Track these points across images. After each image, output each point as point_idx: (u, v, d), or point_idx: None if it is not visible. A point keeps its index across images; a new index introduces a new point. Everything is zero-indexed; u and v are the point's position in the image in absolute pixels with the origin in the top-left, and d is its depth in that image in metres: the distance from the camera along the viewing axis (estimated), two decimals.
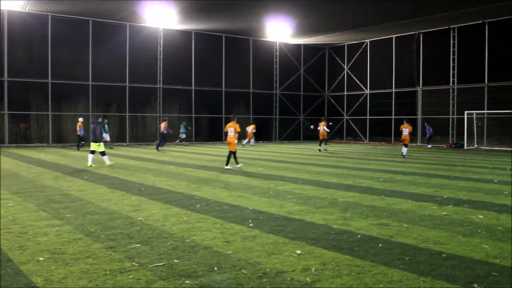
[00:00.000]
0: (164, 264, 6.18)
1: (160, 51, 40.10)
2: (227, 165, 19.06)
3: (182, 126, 38.52)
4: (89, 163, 19.49)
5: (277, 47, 46.67)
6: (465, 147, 35.32)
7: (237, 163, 19.24)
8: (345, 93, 48.07)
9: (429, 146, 36.46)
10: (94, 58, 37.15)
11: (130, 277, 5.69)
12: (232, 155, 19.21)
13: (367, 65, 45.56)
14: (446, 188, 13.54)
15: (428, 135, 37.00)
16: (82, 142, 31.42)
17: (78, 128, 31.48)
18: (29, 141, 34.84)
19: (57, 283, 5.47)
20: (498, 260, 6.46)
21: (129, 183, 14.34)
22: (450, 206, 10.60)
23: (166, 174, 17.04)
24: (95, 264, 6.16)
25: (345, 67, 47.74)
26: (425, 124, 37.82)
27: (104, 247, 7.01)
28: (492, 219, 9.20)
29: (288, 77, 47.49)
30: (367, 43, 45.30)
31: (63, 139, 36.43)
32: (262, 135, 44.06)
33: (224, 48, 43.22)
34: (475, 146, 35.40)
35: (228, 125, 19.52)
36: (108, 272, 5.84)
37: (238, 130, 19.29)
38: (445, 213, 9.76)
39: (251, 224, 8.57)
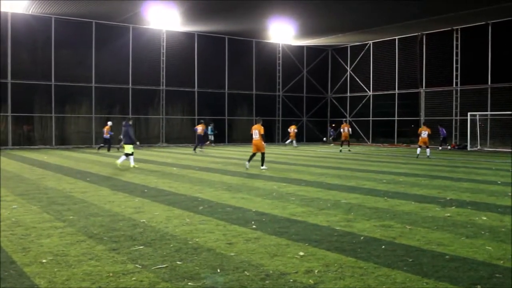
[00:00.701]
0: (167, 266, 6.18)
1: (163, 53, 40.16)
2: (262, 165, 19.73)
3: (209, 128, 39.35)
4: (132, 164, 20.16)
5: (280, 48, 46.68)
6: (468, 148, 35.25)
7: (262, 164, 19.85)
8: (348, 94, 48.03)
9: (440, 148, 35.94)
10: (97, 60, 37.22)
11: (133, 279, 5.69)
12: (253, 156, 20.00)
13: (370, 67, 45.53)
14: (449, 189, 13.52)
15: (442, 137, 36.66)
16: (105, 145, 31.91)
17: (105, 131, 31.73)
18: (32, 143, 34.91)
19: (60, 285, 5.48)
20: (501, 261, 6.45)
21: (131, 185, 14.36)
22: (453, 207, 10.58)
23: (169, 176, 17.06)
24: (98, 266, 6.17)
25: (348, 69, 47.71)
26: (438, 126, 37.54)
27: (107, 249, 7.02)
28: (496, 220, 9.18)
29: (291, 79, 47.48)
30: (370, 44, 45.27)
31: (66, 141, 36.49)
32: (264, 137, 44.01)
33: (227, 50, 43.24)
34: (478, 147, 35.32)
35: (253, 127, 20.14)
36: (111, 274, 5.84)
37: (262, 132, 19.82)
38: (448, 214, 9.74)
39: (254, 226, 8.57)
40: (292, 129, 39.78)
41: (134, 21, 36.81)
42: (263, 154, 19.84)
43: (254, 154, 19.96)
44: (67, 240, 7.52)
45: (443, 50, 39.24)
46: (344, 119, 38.50)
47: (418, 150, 27.71)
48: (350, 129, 34.35)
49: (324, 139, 36.50)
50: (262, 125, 20.08)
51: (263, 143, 19.75)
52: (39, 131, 35.56)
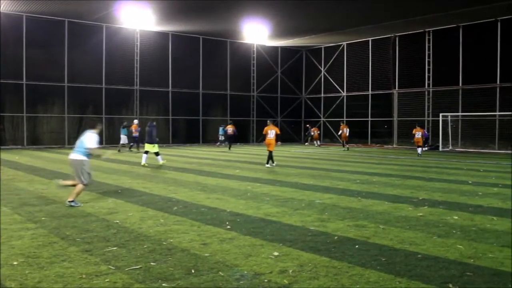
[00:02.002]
0: (141, 267, 6.14)
1: (137, 52, 39.85)
2: (267, 163, 21.13)
3: (221, 129, 40.24)
4: (143, 162, 21.13)
5: (255, 49, 46.71)
6: (440, 149, 35.73)
7: (272, 161, 21.31)
8: (322, 95, 48.29)
9: (426, 148, 36.23)
10: (70, 59, 36.73)
11: (107, 280, 5.64)
12: (270, 154, 21.28)
13: (344, 68, 45.85)
14: (421, 189, 13.69)
15: (424, 138, 36.88)
16: (134, 144, 33.34)
17: (133, 130, 33.04)
18: (3, 143, 34.28)
19: (31, 287, 5.40)
20: (472, 260, 6.56)
21: (105, 186, 14.23)
22: (425, 207, 10.72)
23: (143, 176, 16.95)
24: (70, 268, 6.10)
25: (322, 70, 47.98)
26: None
27: (80, 250, 6.95)
28: (467, 220, 9.33)
29: (265, 79, 47.54)
30: (344, 45, 45.59)
31: (38, 142, 35.94)
32: (239, 137, 44.08)
33: (202, 50, 43.10)
34: (450, 148, 35.84)
35: (267, 127, 21.59)
36: (84, 276, 5.78)
37: (278, 132, 21.60)
38: (420, 214, 9.87)
39: (228, 226, 8.57)
40: (315, 131, 42.56)
41: (108, 20, 36.45)
42: (271, 152, 21.20)
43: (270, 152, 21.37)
44: (39, 242, 7.41)
45: (415, 52, 39.71)
46: (343, 120, 40.34)
47: (419, 150, 29.57)
48: (348, 129, 37.15)
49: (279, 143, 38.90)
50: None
51: (274, 142, 21.34)
52: (10, 131, 34.95)
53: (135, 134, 33.10)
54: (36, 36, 34.96)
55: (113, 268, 6.11)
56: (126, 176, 16.79)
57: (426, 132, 36.91)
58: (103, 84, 38.32)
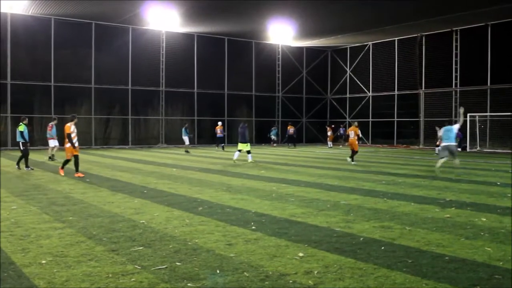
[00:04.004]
0: (166, 267, 6.17)
1: (162, 54, 40.18)
2: (352, 160, 23.15)
3: (273, 130, 42.97)
4: (234, 158, 23.60)
5: (280, 49, 46.71)
6: (468, 149, 35.25)
7: (352, 159, 23.20)
8: (348, 95, 48.06)
9: (459, 149, 35.72)
10: (97, 61, 37.24)
11: (133, 280, 5.69)
12: (353, 154, 23.31)
13: (369, 68, 45.57)
14: (448, 190, 13.52)
15: (459, 139, 36.33)
16: (220, 144, 35.88)
17: (218, 131, 35.73)
18: (32, 144, 34.80)
19: (59, 285, 5.47)
20: (501, 262, 6.45)
21: (131, 186, 14.36)
22: (453, 208, 10.58)
23: (168, 176, 17.05)
24: (97, 267, 6.16)
25: (348, 70, 47.74)
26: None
27: (107, 250, 7.02)
28: (495, 221, 9.17)
29: (290, 80, 47.51)
30: (369, 45, 45.30)
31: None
32: (264, 138, 44.16)
33: (227, 51, 43.28)
34: (478, 148, 35.32)
35: (349, 129, 23.98)
36: (110, 275, 5.84)
37: (358, 133, 23.44)
38: (448, 215, 9.74)
39: (253, 227, 8.57)
40: (330, 132, 42.03)
41: (134, 22, 36.82)
42: (354, 151, 23.23)
43: (353, 151, 23.30)
44: (67, 241, 7.51)
45: (442, 51, 39.27)
46: (356, 121, 40.01)
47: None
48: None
49: (273, 139, 41.50)
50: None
51: (356, 142, 23.29)
52: (38, 132, 35.50)
53: (220, 134, 35.73)
54: (64, 39, 35.54)
55: (139, 267, 6.16)
56: (151, 177, 16.91)
57: (460, 133, 36.29)
58: (129, 85, 38.72)
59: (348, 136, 24.46)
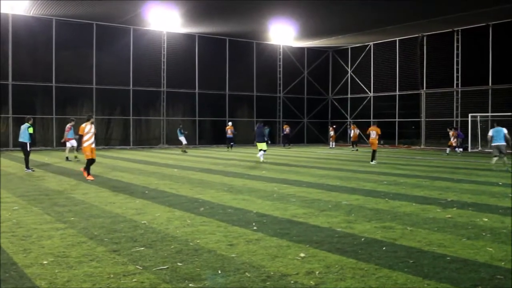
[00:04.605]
0: (168, 267, 6.18)
1: (164, 54, 40.20)
2: (371, 161, 23.50)
3: (266, 130, 42.79)
4: (261, 159, 24.18)
5: (281, 50, 46.72)
6: (469, 149, 35.20)
7: (373, 159, 23.52)
8: (349, 96, 48.07)
9: (460, 149, 35.83)
10: (98, 61, 37.27)
11: (134, 280, 5.69)
12: (374, 154, 23.73)
13: (370, 68, 45.56)
14: (450, 190, 13.51)
15: (460, 139, 36.31)
16: (231, 144, 36.66)
17: (229, 131, 36.66)
18: (33, 145, 34.80)
19: (61, 286, 5.48)
20: (502, 263, 6.44)
21: (132, 186, 14.36)
22: (454, 209, 10.57)
23: (169, 177, 17.05)
24: (99, 267, 6.17)
25: (349, 70, 47.74)
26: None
27: (108, 250, 7.02)
28: (497, 222, 9.17)
29: (291, 80, 47.52)
30: (370, 46, 45.29)
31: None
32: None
33: (228, 51, 43.29)
34: (479, 148, 35.28)
35: (370, 128, 24.46)
36: (112, 276, 5.84)
37: (379, 133, 23.82)
38: (449, 216, 9.73)
39: (255, 227, 8.57)
40: (332, 132, 41.70)
41: (135, 22, 36.85)
42: (374, 151, 23.69)
43: (373, 151, 23.77)
44: (68, 242, 7.52)
45: (443, 51, 39.25)
46: (350, 120, 40.18)
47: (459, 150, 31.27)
48: (358, 130, 38.32)
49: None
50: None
51: (377, 142, 23.82)
52: (40, 133, 35.53)
53: (230, 135, 36.48)
54: (65, 39, 35.59)
55: (141, 268, 6.16)
56: (153, 177, 16.92)
57: (461, 133, 36.27)
58: (131, 86, 38.74)
59: (368, 135, 24.79)
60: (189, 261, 6.48)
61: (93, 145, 16.38)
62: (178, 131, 33.35)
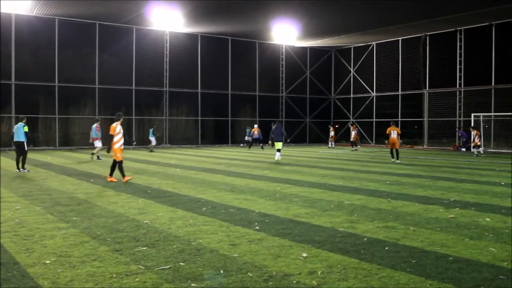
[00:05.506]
0: (170, 267, 6.18)
1: (166, 54, 40.22)
2: (393, 158, 24.68)
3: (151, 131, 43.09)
4: (277, 158, 24.33)
5: (283, 49, 46.71)
6: (472, 149, 35.07)
7: (398, 158, 24.60)
8: (352, 95, 48.02)
9: (463, 149, 35.91)
10: (101, 61, 37.32)
11: (136, 280, 5.70)
12: (395, 151, 24.68)
13: (373, 68, 45.49)
14: (452, 190, 13.48)
15: (464, 138, 36.22)
16: (261, 144, 37.82)
17: (256, 132, 37.92)
18: (36, 145, 34.92)
19: (63, 285, 5.48)
20: (505, 263, 6.43)
21: (135, 186, 14.37)
22: (457, 209, 10.56)
23: (171, 177, 17.06)
24: (101, 267, 6.17)
25: (352, 70, 47.69)
26: (457, 129, 37.75)
27: (110, 250, 7.03)
28: (499, 222, 9.15)
29: (294, 80, 47.51)
30: (373, 45, 45.24)
31: (70, 142, 36.55)
32: (268, 138, 44.09)
33: (230, 51, 43.29)
34: (482, 148, 35.16)
35: (389, 128, 25.15)
36: (114, 275, 5.85)
37: (399, 132, 25.10)
38: (452, 216, 9.72)
39: (257, 227, 8.56)
40: (333, 132, 41.49)
41: (138, 22, 36.88)
42: (397, 150, 24.70)
43: (392, 150, 24.81)
44: (71, 241, 7.52)
45: (446, 51, 39.19)
46: (351, 120, 40.27)
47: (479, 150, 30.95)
48: (356, 130, 38.39)
49: (243, 144, 40.74)
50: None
51: (397, 141, 24.76)
52: (43, 132, 35.61)
53: (257, 136, 37.90)
54: (68, 39, 35.64)
55: (143, 267, 6.17)
56: (155, 177, 16.93)
57: (464, 133, 36.20)
58: (133, 86, 38.78)
59: (388, 135, 25.03)
60: (191, 260, 6.48)
61: (122, 147, 15.79)
62: (151, 131, 33.84)
